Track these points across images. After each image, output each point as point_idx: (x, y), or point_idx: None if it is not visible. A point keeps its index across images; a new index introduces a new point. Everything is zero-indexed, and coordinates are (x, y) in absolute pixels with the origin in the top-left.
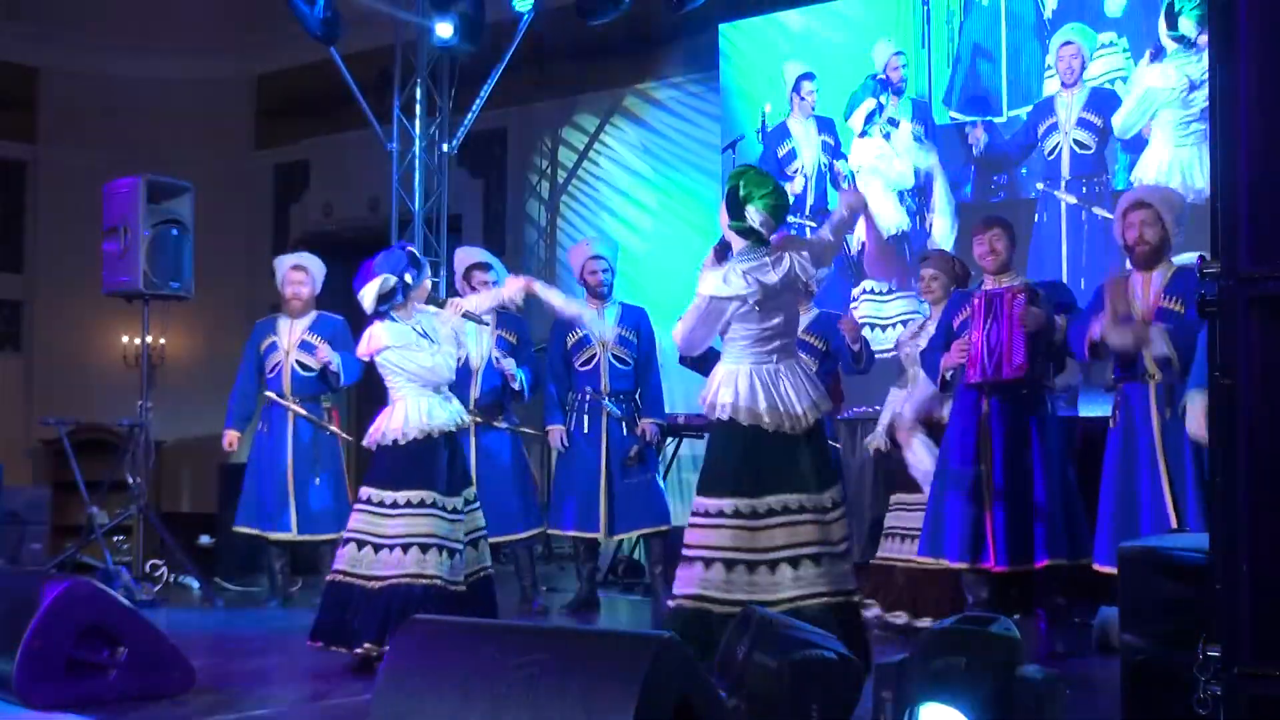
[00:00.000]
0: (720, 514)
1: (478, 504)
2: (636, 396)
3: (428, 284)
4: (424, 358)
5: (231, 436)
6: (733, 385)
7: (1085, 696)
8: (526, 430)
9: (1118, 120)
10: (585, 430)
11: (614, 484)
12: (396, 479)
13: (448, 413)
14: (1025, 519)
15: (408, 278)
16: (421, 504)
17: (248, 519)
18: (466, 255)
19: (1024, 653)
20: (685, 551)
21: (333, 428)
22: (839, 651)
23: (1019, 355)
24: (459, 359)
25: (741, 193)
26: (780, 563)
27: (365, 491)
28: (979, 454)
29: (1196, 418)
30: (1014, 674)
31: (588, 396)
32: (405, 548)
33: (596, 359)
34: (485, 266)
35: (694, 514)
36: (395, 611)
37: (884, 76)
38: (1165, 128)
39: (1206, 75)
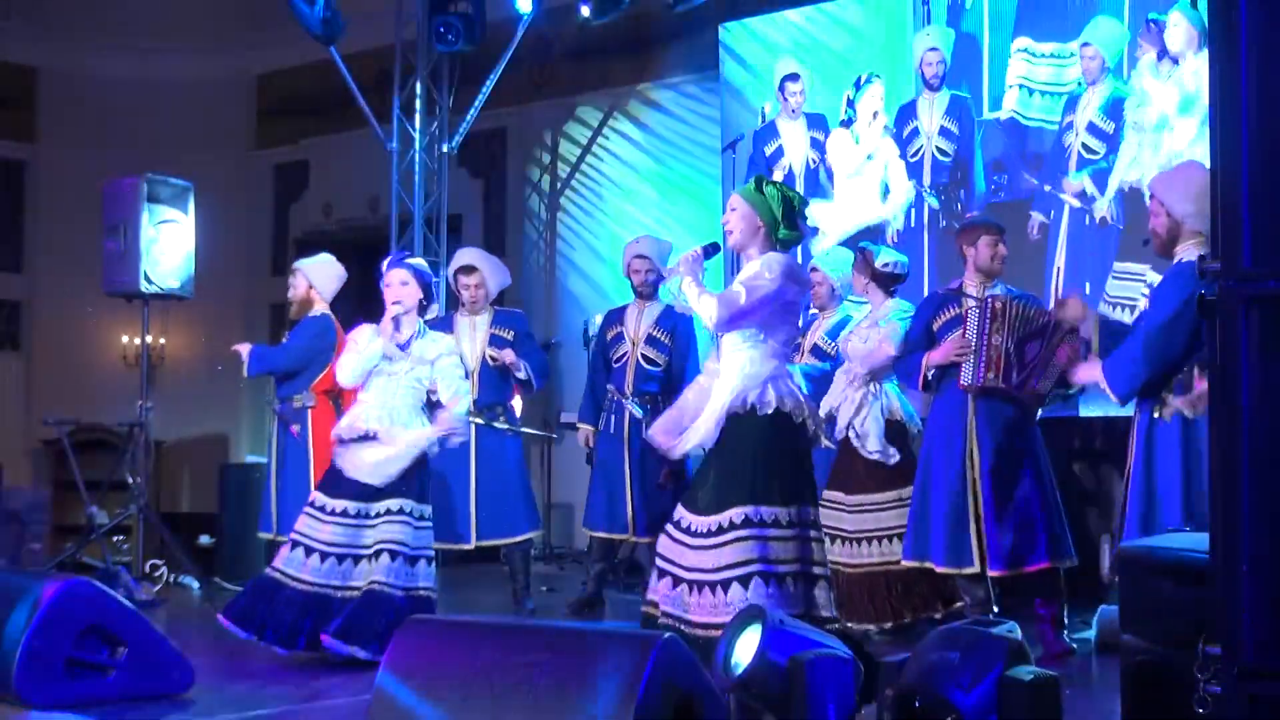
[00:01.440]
0: (792, 523)
1: (390, 516)
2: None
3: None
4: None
5: None
6: (785, 381)
7: (1085, 696)
8: (526, 430)
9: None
10: (611, 430)
11: (638, 485)
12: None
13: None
14: (1015, 521)
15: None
16: (332, 511)
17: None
18: (457, 257)
19: (1027, 656)
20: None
21: (295, 427)
22: (845, 651)
23: (1046, 385)
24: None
25: (797, 204)
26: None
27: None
28: (965, 457)
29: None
30: (1006, 675)
31: (613, 395)
32: (323, 556)
33: (626, 357)
34: (469, 269)
35: (765, 524)
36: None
37: (919, 72)
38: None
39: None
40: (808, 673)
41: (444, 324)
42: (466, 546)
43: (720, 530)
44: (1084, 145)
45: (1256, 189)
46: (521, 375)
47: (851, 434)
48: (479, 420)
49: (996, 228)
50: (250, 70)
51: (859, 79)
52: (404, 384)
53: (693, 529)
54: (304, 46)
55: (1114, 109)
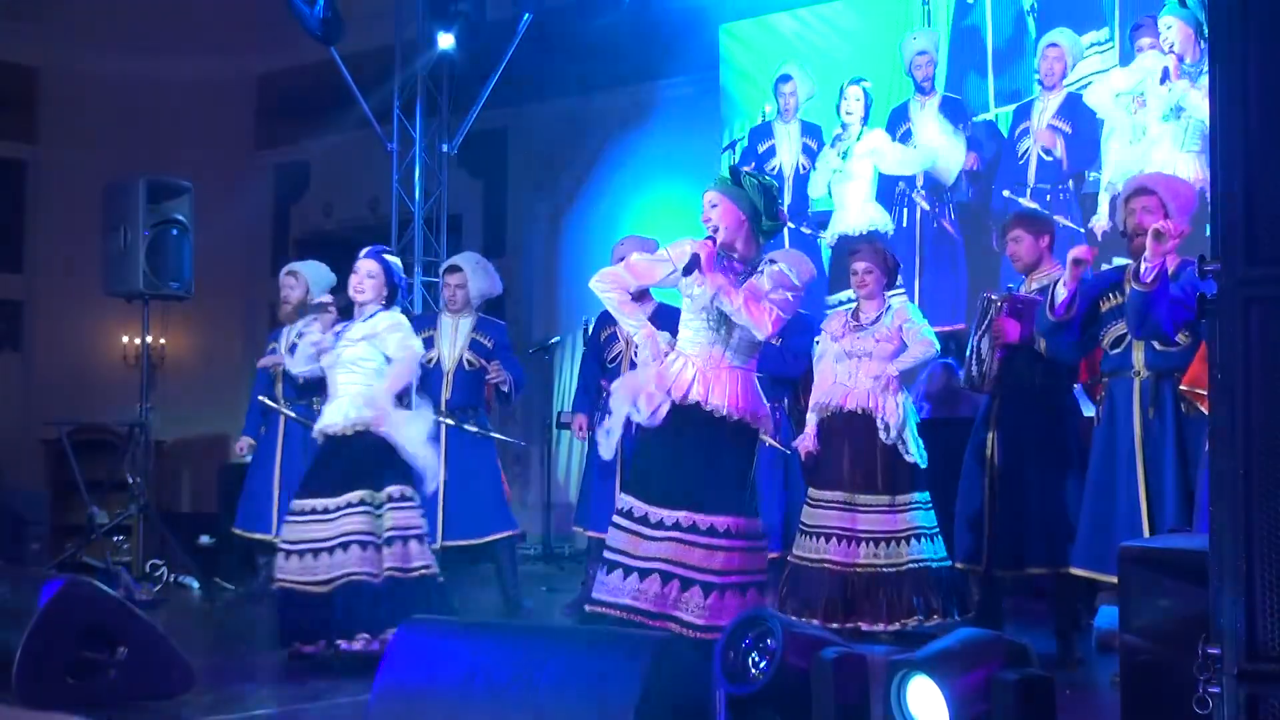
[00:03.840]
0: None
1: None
2: None
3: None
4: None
5: (243, 443)
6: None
7: (1085, 696)
8: (496, 435)
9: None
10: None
11: None
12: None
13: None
14: (1021, 521)
15: None
16: (313, 510)
17: (241, 522)
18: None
19: (1029, 659)
20: None
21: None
22: (849, 647)
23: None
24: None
25: (774, 191)
26: None
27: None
28: (981, 453)
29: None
30: (995, 675)
31: (606, 395)
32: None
33: (620, 356)
34: (454, 270)
35: None
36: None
37: (909, 74)
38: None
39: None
40: (834, 670)
41: (428, 321)
42: (433, 546)
43: (714, 533)
44: (1042, 148)
45: (1256, 189)
46: (505, 388)
47: (901, 442)
48: (450, 421)
49: (1005, 225)
50: (250, 70)
51: (844, 85)
52: (339, 371)
53: (651, 520)
54: (304, 47)
55: (1072, 110)
